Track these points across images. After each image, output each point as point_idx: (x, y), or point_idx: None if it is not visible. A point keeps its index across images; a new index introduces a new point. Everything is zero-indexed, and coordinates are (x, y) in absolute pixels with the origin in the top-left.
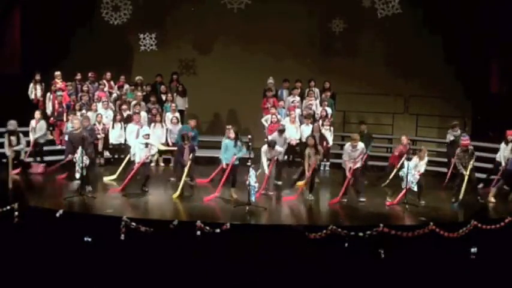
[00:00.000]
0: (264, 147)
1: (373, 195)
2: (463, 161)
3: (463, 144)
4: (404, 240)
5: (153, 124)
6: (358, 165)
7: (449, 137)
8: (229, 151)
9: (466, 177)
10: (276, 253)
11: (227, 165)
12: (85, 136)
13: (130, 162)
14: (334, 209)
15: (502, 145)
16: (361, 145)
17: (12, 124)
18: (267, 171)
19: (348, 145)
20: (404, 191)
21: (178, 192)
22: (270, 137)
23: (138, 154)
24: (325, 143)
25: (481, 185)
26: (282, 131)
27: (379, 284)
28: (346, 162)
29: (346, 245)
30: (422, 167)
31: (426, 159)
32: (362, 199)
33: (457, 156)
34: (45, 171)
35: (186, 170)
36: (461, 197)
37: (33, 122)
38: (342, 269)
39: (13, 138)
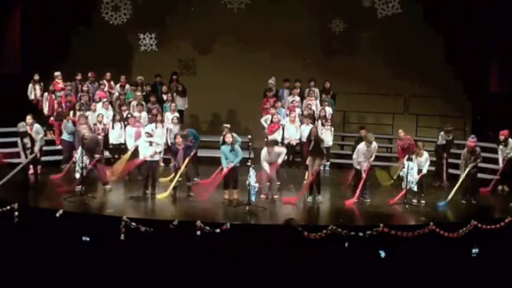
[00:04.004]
0: (264, 152)
1: (373, 195)
2: (468, 162)
3: (470, 146)
4: (404, 240)
5: (153, 124)
6: (368, 165)
7: (442, 141)
8: (228, 157)
9: (461, 179)
10: (276, 253)
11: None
12: (98, 140)
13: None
14: (334, 209)
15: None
16: (374, 143)
17: (23, 126)
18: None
19: (362, 145)
20: (404, 190)
21: (166, 194)
22: (269, 138)
23: (144, 153)
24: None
25: (500, 187)
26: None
27: (379, 284)
28: (361, 163)
29: (346, 245)
30: (424, 165)
31: (426, 154)
32: (367, 200)
33: (463, 157)
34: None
35: (179, 172)
36: (450, 197)
37: (28, 129)
38: (342, 269)
39: (26, 140)
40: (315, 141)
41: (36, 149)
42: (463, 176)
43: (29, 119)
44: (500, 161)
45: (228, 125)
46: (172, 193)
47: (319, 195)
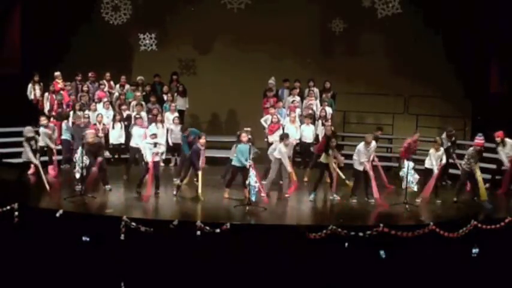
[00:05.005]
0: (281, 148)
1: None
2: (474, 160)
3: (478, 144)
4: (404, 240)
5: (153, 124)
6: (371, 164)
7: (447, 144)
8: (244, 155)
9: (479, 177)
10: (276, 253)
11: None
12: (102, 144)
13: (142, 163)
14: (334, 209)
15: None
16: (373, 143)
17: (30, 130)
18: (290, 169)
19: (361, 145)
20: (430, 186)
21: (200, 194)
22: (269, 137)
23: (149, 154)
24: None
25: (487, 185)
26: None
27: (379, 284)
28: (365, 163)
29: (346, 245)
30: (442, 158)
31: (442, 150)
32: (372, 200)
33: (471, 155)
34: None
35: (200, 174)
36: (485, 197)
37: (47, 130)
38: (342, 269)
39: (32, 143)
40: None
41: (53, 146)
42: (479, 175)
43: (43, 120)
44: (505, 161)
45: (249, 129)
46: (176, 193)
47: (334, 193)
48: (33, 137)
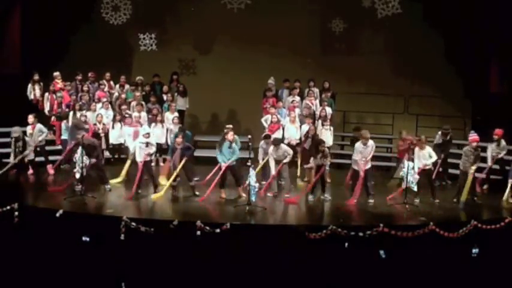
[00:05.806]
0: (270, 148)
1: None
2: (469, 159)
3: (473, 140)
4: (404, 240)
5: (153, 124)
6: (369, 165)
7: (438, 140)
8: (224, 152)
9: (471, 177)
10: (276, 253)
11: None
12: (95, 145)
13: (134, 163)
14: (334, 209)
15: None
16: (371, 142)
17: (16, 131)
18: (273, 172)
19: (358, 143)
20: (401, 189)
21: (160, 194)
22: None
23: (140, 154)
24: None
25: (485, 186)
26: (268, 137)
27: (379, 284)
28: (358, 161)
29: (346, 245)
30: (428, 159)
31: (428, 149)
32: (371, 200)
33: (464, 153)
34: (54, 172)
35: (175, 172)
36: (464, 198)
37: (29, 128)
38: (342, 269)
39: (19, 144)
40: (312, 139)
41: (26, 152)
42: (470, 176)
43: (30, 118)
44: (489, 160)
45: (231, 126)
46: (175, 193)
47: (326, 193)
48: (18, 137)
